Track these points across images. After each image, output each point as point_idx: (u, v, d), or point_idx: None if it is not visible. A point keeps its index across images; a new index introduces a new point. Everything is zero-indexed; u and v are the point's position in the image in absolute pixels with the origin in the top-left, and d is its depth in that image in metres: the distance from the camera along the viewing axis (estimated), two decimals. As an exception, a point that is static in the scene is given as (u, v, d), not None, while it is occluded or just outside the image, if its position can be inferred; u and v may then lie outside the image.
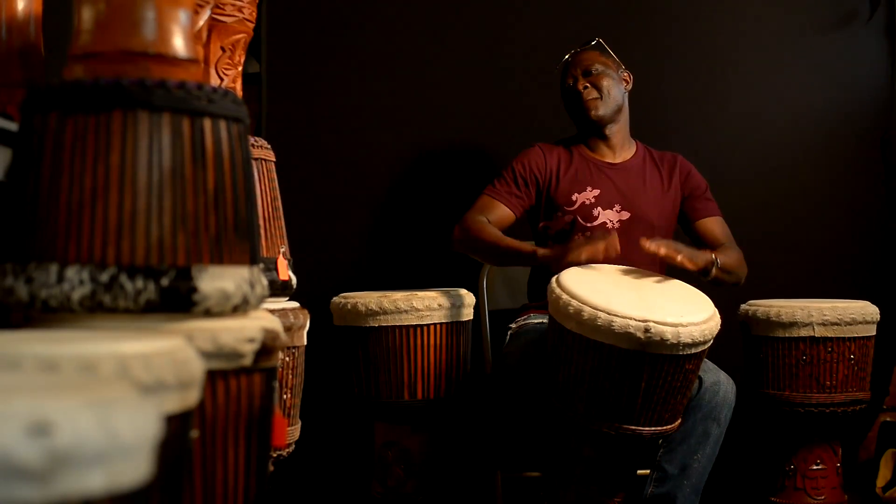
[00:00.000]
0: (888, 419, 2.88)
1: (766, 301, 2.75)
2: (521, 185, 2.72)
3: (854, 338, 2.64)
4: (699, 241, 2.73)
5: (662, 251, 2.39)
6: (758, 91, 3.29)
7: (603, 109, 2.71)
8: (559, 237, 2.71)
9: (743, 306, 2.78)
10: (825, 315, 2.63)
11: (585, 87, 2.71)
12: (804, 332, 2.63)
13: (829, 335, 2.63)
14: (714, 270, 2.50)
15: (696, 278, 2.49)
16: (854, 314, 2.63)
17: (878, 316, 2.69)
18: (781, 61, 3.29)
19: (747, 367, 2.77)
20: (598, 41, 2.80)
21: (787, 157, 3.28)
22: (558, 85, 2.82)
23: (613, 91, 2.73)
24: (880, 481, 2.81)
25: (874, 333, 2.70)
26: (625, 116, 2.78)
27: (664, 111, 3.25)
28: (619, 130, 2.77)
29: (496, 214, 2.68)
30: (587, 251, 2.37)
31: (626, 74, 2.78)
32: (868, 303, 2.70)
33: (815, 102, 3.29)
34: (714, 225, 2.75)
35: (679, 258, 2.40)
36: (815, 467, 2.69)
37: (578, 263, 2.39)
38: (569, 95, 2.76)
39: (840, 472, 2.73)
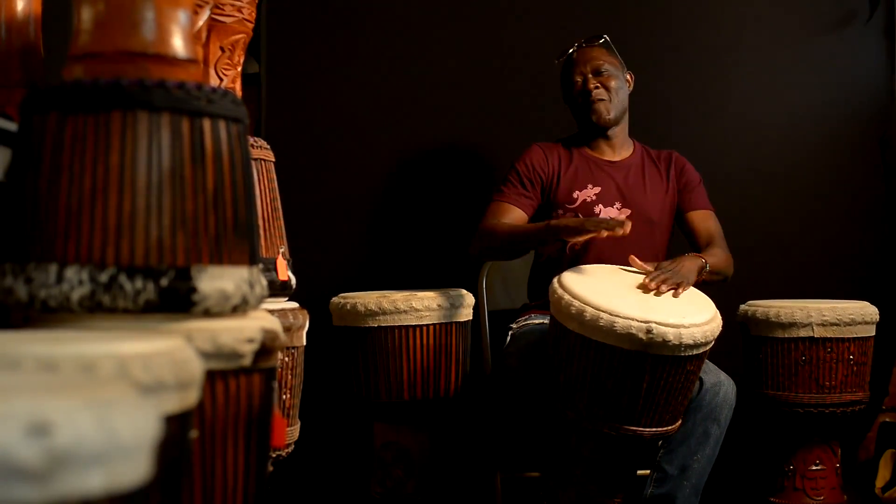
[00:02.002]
0: (887, 419, 2.89)
1: (766, 301, 2.75)
2: (528, 186, 2.71)
3: (853, 338, 2.64)
4: (690, 233, 2.72)
5: (653, 286, 2.29)
6: (757, 91, 3.29)
7: (613, 112, 2.71)
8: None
9: (742, 307, 2.78)
10: (824, 315, 2.63)
11: (596, 88, 2.70)
12: (803, 333, 2.63)
13: (829, 336, 2.63)
14: (703, 274, 2.51)
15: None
16: (853, 315, 2.63)
17: (878, 316, 2.69)
18: (781, 61, 3.29)
19: (747, 367, 2.77)
20: (605, 39, 2.78)
21: (786, 157, 3.28)
22: (556, 79, 2.81)
23: (621, 93, 2.72)
24: (879, 482, 2.81)
25: (873, 334, 2.70)
26: (626, 116, 2.78)
27: (664, 111, 3.25)
28: (620, 131, 2.77)
29: (510, 217, 2.66)
30: (600, 228, 2.33)
31: (629, 75, 2.79)
32: (867, 303, 2.70)
33: (814, 102, 3.29)
34: (705, 219, 2.73)
35: (665, 288, 2.30)
36: (814, 468, 2.70)
37: (583, 231, 2.36)
38: (575, 93, 2.74)
39: (839, 472, 2.73)
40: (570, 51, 2.78)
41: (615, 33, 2.88)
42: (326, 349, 2.88)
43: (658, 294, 2.30)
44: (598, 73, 2.70)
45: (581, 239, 2.42)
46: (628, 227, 2.33)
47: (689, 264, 2.43)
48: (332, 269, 3.24)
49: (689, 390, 2.27)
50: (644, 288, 2.32)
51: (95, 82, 1.27)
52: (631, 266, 2.43)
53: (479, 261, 2.86)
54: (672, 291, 2.31)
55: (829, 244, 3.25)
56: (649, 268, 2.38)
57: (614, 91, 2.70)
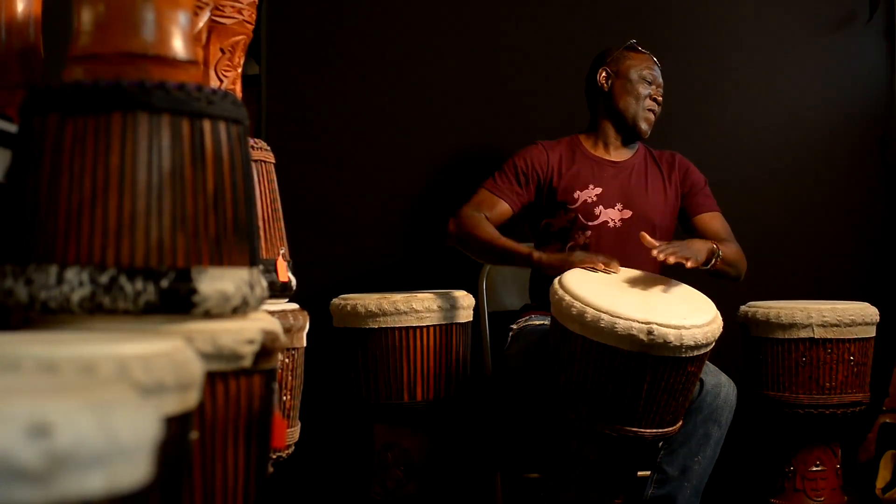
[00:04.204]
0: (888, 420, 2.88)
1: (766, 302, 2.75)
2: (521, 181, 2.71)
3: (853, 339, 2.64)
4: (698, 236, 2.73)
5: (661, 257, 2.35)
6: (757, 92, 3.29)
7: (650, 129, 2.75)
8: (561, 235, 2.71)
9: (742, 307, 2.78)
10: (825, 316, 2.63)
11: (659, 105, 2.75)
12: (804, 334, 2.63)
13: (829, 336, 2.63)
14: (716, 261, 2.49)
15: (696, 272, 2.47)
16: (853, 315, 2.63)
17: (878, 317, 2.69)
18: (781, 62, 3.29)
19: (747, 368, 2.77)
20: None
21: (786, 157, 3.28)
22: (557, 80, 2.81)
23: None
24: (880, 482, 2.80)
25: (874, 335, 2.69)
26: None
27: (664, 111, 3.24)
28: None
29: (494, 210, 2.68)
30: (586, 266, 2.39)
31: None
32: (867, 304, 2.70)
33: (814, 103, 3.29)
34: (713, 220, 2.74)
35: (673, 259, 2.36)
36: (814, 468, 2.69)
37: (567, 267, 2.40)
38: (640, 89, 2.73)
39: (840, 473, 2.73)
40: (642, 48, 2.78)
41: (616, 34, 2.88)
42: (327, 350, 2.88)
43: (666, 262, 2.33)
44: (661, 94, 2.76)
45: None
46: (616, 268, 2.40)
47: (700, 245, 2.47)
48: (332, 271, 3.23)
49: (690, 391, 2.27)
50: (644, 286, 2.33)
51: (96, 83, 1.27)
52: (640, 244, 2.42)
53: (454, 247, 2.83)
54: (674, 291, 2.32)
55: (829, 244, 3.25)
56: (656, 243, 2.38)
57: (658, 113, 2.76)
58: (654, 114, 2.75)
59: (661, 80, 2.76)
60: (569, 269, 2.39)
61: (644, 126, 2.73)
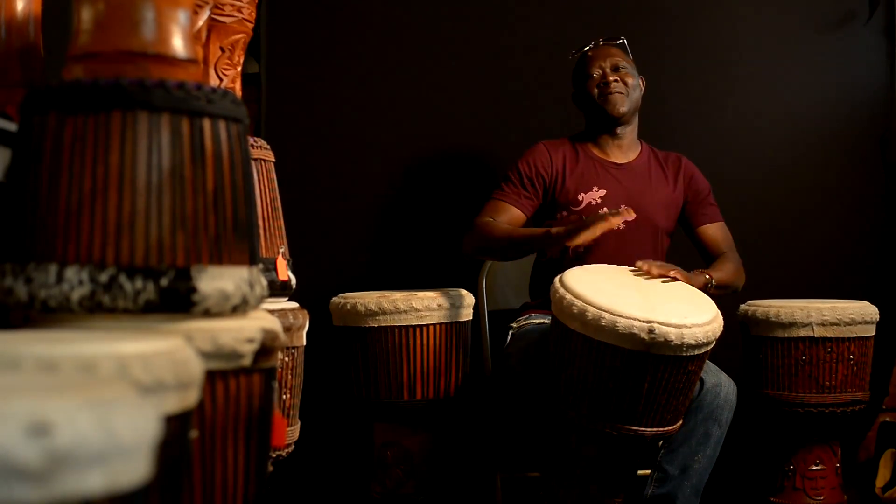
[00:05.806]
0: (887, 419, 2.89)
1: (766, 301, 2.75)
2: (528, 186, 2.71)
3: (853, 338, 2.64)
4: (700, 246, 2.74)
5: (644, 267, 2.39)
6: (757, 91, 3.29)
7: (626, 106, 2.71)
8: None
9: (742, 306, 2.78)
10: (824, 315, 2.63)
11: (615, 81, 2.70)
12: (803, 333, 2.63)
13: (829, 335, 2.63)
14: (709, 289, 2.50)
15: None
16: (853, 314, 2.63)
17: (878, 316, 2.69)
18: (781, 62, 3.29)
19: (747, 367, 2.77)
20: (623, 40, 2.79)
21: (786, 157, 3.28)
22: (558, 79, 2.81)
23: (636, 92, 2.74)
24: (879, 481, 2.81)
25: (873, 334, 2.69)
26: (636, 119, 2.78)
27: (664, 111, 3.25)
28: (630, 131, 2.78)
29: (506, 217, 2.67)
30: (602, 227, 2.38)
31: (641, 79, 2.78)
32: (867, 303, 2.70)
33: (814, 103, 3.29)
34: (716, 231, 2.75)
35: (672, 273, 2.40)
36: (814, 467, 2.69)
37: (584, 230, 2.41)
38: (592, 85, 2.72)
39: (839, 472, 2.73)
40: (587, 49, 2.78)
41: (616, 34, 2.88)
42: (326, 349, 2.88)
43: (650, 277, 2.34)
44: (616, 69, 2.72)
45: (581, 241, 2.43)
46: (631, 213, 2.40)
47: (695, 279, 2.47)
48: (332, 269, 3.24)
49: (691, 390, 2.27)
50: (645, 285, 2.33)
51: (95, 82, 1.27)
52: (635, 269, 2.43)
53: (473, 259, 2.86)
54: (675, 290, 2.32)
55: (830, 244, 3.25)
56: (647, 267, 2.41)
57: (631, 87, 2.72)
58: (619, 91, 2.69)
59: (615, 60, 2.72)
60: (585, 235, 2.40)
61: (611, 107, 2.69)
